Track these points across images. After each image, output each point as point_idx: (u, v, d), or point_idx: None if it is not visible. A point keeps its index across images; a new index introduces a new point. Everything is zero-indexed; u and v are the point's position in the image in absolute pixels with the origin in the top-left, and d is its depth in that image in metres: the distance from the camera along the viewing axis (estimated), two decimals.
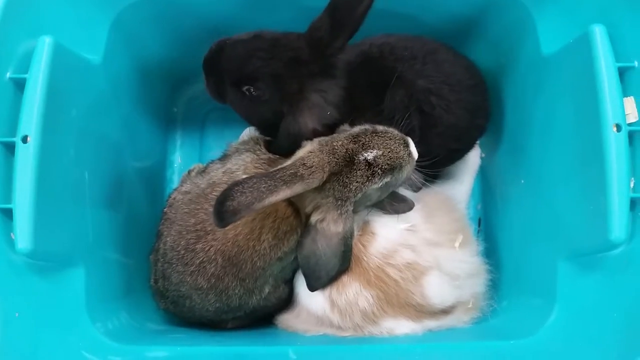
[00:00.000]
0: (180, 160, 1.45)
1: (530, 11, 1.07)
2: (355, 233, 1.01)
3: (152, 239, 1.12)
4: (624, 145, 0.83)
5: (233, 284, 1.01)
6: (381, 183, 0.93)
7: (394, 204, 1.03)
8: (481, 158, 1.39)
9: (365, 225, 1.04)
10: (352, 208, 0.94)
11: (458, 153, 1.24)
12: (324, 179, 0.90)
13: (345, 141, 0.93)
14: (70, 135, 0.97)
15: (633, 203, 0.84)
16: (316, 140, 0.97)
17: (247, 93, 1.03)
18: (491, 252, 1.24)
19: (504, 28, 1.16)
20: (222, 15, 1.17)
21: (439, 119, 1.09)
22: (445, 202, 1.18)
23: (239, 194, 0.81)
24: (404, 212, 1.04)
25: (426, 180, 1.10)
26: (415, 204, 1.05)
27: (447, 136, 1.11)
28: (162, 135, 1.44)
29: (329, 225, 0.93)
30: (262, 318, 1.13)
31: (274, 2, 1.14)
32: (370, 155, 0.91)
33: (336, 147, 0.92)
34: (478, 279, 1.12)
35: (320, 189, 0.91)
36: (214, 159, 1.16)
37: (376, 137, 0.93)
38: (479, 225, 1.37)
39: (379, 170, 0.91)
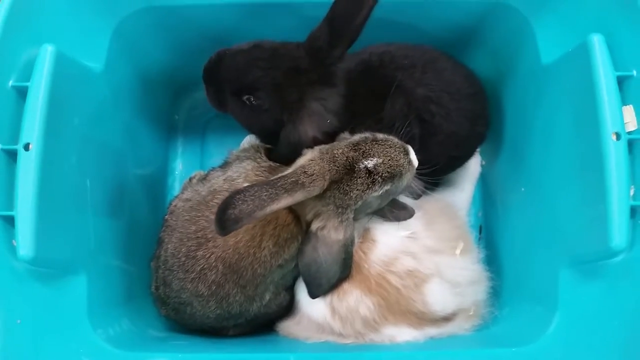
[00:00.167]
0: (182, 167, 1.45)
1: (529, 20, 1.07)
2: (356, 240, 1.02)
3: (153, 246, 1.12)
4: (623, 154, 0.83)
5: (234, 291, 1.01)
6: (381, 191, 0.93)
7: (395, 211, 1.04)
8: (481, 166, 1.39)
9: (366, 233, 1.04)
10: (352, 215, 0.94)
11: (458, 161, 1.24)
12: (325, 186, 0.90)
13: (345, 149, 0.93)
14: (72, 143, 0.98)
15: (633, 211, 0.84)
16: (317, 148, 0.97)
17: (248, 102, 1.03)
18: (492, 260, 1.24)
19: (503, 37, 1.17)
20: (224, 23, 1.18)
21: (439, 127, 1.09)
22: (445, 210, 1.18)
23: (240, 202, 0.81)
24: (405, 219, 1.04)
25: (426, 188, 1.10)
26: (415, 211, 1.05)
27: (447, 144, 1.12)
28: (163, 142, 1.44)
29: (329, 232, 0.93)
30: (263, 325, 1.13)
31: (274, 12, 1.15)
32: (370, 163, 0.92)
33: (337, 155, 0.92)
34: (479, 286, 1.12)
35: (321, 196, 0.91)
36: (215, 167, 1.16)
37: (376, 145, 0.94)
38: (480, 233, 1.37)
39: (379, 178, 0.92)
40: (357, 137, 0.97)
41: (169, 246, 1.04)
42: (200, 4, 1.13)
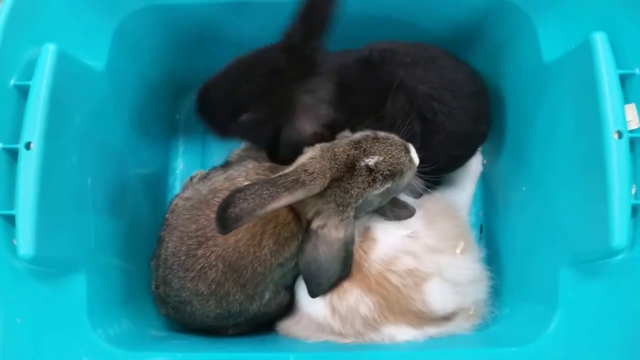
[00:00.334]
0: (183, 166, 1.45)
1: (531, 18, 1.07)
2: (357, 239, 1.01)
3: (154, 245, 1.12)
4: (625, 152, 0.83)
5: (234, 290, 1.01)
6: (382, 189, 0.93)
7: (395, 210, 1.04)
8: (483, 165, 1.38)
9: (366, 232, 1.04)
10: (353, 214, 0.94)
11: (459, 160, 1.24)
12: (325, 185, 0.90)
13: (346, 147, 0.93)
14: (73, 142, 0.98)
15: (634, 210, 0.84)
16: (317, 146, 0.97)
17: (246, 120, 1.03)
18: (493, 259, 1.24)
19: (505, 35, 1.17)
20: (225, 23, 1.18)
21: (441, 126, 1.09)
22: (446, 209, 1.18)
23: (241, 200, 0.82)
24: (405, 218, 1.04)
25: (427, 187, 1.10)
26: (416, 210, 1.05)
27: (448, 143, 1.11)
28: (164, 142, 1.44)
29: (330, 231, 0.93)
30: (263, 324, 1.13)
31: (277, 11, 1.14)
32: (371, 161, 0.92)
33: (337, 153, 0.92)
34: (479, 285, 1.11)
35: (321, 195, 0.91)
36: (216, 166, 1.16)
37: (377, 143, 0.94)
38: (481, 232, 1.37)
39: (380, 176, 0.92)
40: (358, 135, 0.97)
41: (169, 245, 1.04)
42: (202, 3, 1.13)
